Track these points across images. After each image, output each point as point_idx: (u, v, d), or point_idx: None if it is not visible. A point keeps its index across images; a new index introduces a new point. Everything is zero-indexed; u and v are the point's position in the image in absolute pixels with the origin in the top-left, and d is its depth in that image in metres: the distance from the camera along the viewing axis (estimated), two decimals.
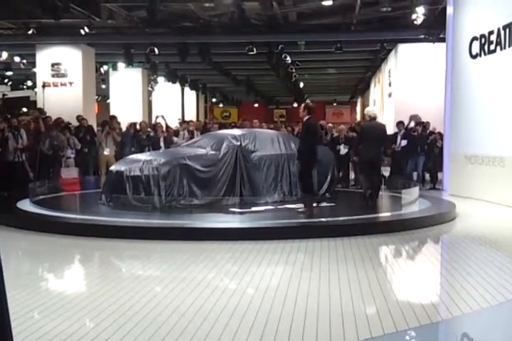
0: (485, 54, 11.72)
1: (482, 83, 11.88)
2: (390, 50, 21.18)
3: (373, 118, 10.34)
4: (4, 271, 1.58)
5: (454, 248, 7.44)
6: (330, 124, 15.81)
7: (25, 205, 9.60)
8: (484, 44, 11.72)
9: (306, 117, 9.19)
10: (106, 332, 3.87)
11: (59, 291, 5.22)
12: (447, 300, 4.71)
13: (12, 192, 11.02)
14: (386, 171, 14.62)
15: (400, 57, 19.95)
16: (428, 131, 14.36)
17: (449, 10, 13.66)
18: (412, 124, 14.27)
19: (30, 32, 17.22)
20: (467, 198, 11.63)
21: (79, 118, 14.89)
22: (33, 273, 6.24)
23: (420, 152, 13.87)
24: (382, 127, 10.66)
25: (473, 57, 12.18)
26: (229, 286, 5.20)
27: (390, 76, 22.07)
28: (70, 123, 14.64)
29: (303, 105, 9.46)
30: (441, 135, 14.25)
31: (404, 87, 19.57)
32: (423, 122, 14.26)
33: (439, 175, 14.13)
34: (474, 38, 12.09)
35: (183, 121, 18.05)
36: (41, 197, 10.52)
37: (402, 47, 19.80)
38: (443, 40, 14.87)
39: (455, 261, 6.45)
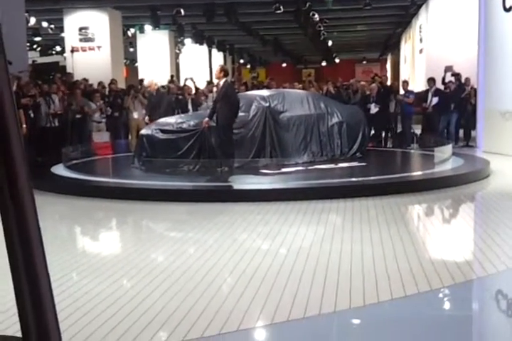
0: None
1: None
2: (421, 5, 20.61)
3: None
4: (42, 234, 1.61)
5: (488, 205, 7.36)
6: (363, 82, 15.21)
7: (59, 170, 9.75)
8: None
9: (223, 80, 9.07)
10: (145, 291, 3.95)
11: (96, 253, 5.35)
12: (482, 258, 4.69)
13: (46, 157, 11.18)
14: (418, 129, 14.41)
15: (431, 12, 19.40)
16: (464, 86, 13.98)
17: None
18: (449, 76, 13.94)
19: None
20: (501, 155, 11.43)
21: (109, 82, 14.90)
22: (70, 236, 6.39)
23: (453, 109, 13.60)
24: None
25: (507, 10, 11.78)
26: (262, 247, 5.24)
27: (421, 32, 21.54)
28: (104, 87, 14.64)
29: (220, 67, 9.37)
30: (474, 90, 13.93)
31: (435, 42, 19.05)
32: (458, 73, 13.92)
33: (473, 132, 13.88)
34: None
35: (209, 83, 17.87)
36: (74, 161, 10.66)
37: (433, 2, 19.23)
38: None
39: (489, 218, 6.40)
